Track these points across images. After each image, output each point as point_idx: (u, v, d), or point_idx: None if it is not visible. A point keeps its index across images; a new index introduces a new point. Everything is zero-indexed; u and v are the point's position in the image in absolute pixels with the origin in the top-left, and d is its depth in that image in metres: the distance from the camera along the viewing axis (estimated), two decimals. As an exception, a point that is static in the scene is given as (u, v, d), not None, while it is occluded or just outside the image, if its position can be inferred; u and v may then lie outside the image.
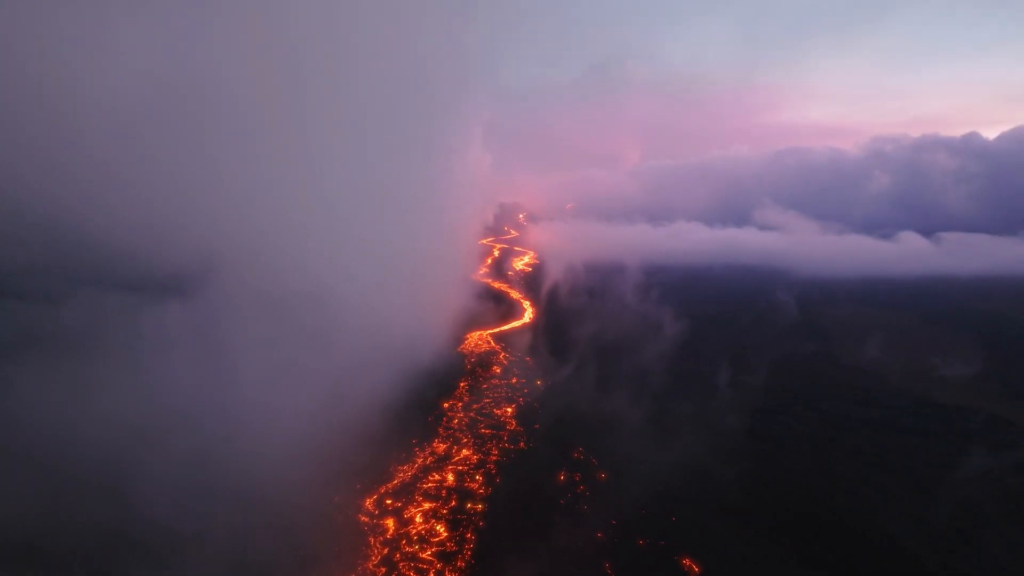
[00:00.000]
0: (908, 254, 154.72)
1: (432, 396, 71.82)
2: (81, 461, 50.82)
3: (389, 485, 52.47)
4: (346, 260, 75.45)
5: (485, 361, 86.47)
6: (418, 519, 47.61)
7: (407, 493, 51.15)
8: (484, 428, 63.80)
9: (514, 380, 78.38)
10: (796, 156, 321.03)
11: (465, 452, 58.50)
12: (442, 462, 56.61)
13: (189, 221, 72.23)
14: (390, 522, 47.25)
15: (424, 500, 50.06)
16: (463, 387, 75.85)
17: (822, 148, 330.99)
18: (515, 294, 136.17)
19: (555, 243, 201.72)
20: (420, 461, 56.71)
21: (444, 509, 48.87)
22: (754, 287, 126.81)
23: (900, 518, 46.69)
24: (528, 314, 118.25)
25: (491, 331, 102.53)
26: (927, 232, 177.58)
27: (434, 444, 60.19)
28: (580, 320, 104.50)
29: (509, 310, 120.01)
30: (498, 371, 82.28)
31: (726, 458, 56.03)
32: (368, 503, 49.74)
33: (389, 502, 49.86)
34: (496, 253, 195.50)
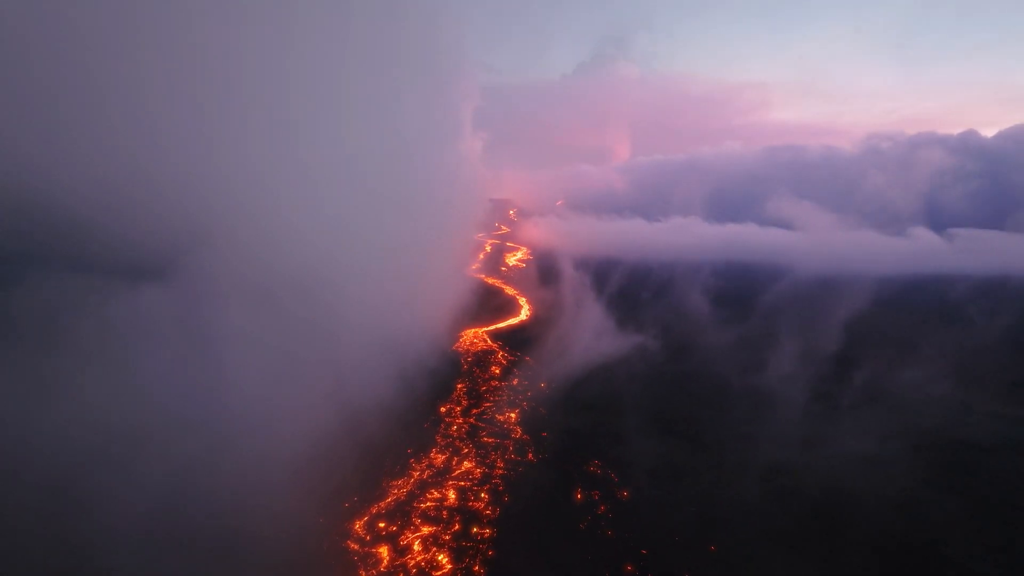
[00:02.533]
0: (920, 251, 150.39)
1: (428, 399, 65.39)
2: (28, 480, 43.66)
3: (382, 504, 45.82)
4: (335, 247, 68.26)
5: (482, 361, 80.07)
6: (416, 547, 40.99)
7: (403, 514, 44.48)
8: (486, 436, 57.39)
9: (515, 382, 72.01)
10: (789, 153, 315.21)
11: (467, 464, 52.01)
12: (441, 476, 50.04)
13: (167, 197, 63.30)
14: (384, 550, 40.60)
15: (423, 523, 43.42)
16: (460, 389, 69.39)
17: (816, 145, 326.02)
18: (510, 290, 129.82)
19: (548, 239, 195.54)
20: (416, 475, 50.09)
21: (446, 534, 42.28)
22: (761, 284, 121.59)
23: (981, 551, 40.75)
24: (525, 311, 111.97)
25: (487, 328, 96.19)
26: (932, 229, 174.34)
27: (432, 454, 53.65)
28: (581, 318, 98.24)
29: (505, 306, 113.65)
30: (497, 372, 75.93)
31: (763, 472, 50.09)
32: (358, 526, 43.06)
33: (382, 525, 43.19)
34: (488, 249, 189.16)
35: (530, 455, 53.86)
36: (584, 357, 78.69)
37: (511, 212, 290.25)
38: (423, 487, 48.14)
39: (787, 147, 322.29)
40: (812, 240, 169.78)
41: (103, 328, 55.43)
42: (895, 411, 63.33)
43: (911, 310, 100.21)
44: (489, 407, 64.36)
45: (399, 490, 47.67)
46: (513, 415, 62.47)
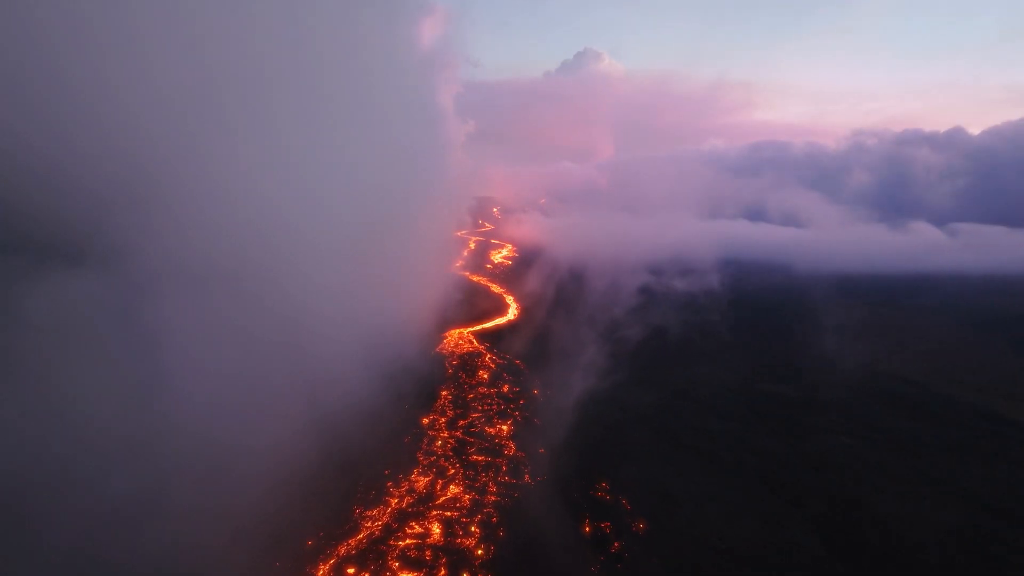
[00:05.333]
0: (922, 247, 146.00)
1: (409, 408, 57.83)
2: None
3: (352, 541, 38.11)
4: (304, 227, 59.83)
5: (469, 364, 72.60)
6: (394, 600, 33.50)
7: (377, 556, 36.79)
8: (475, 453, 49.95)
9: (505, 388, 64.76)
10: (773, 149, 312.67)
11: (453, 489, 44.48)
12: (424, 504, 42.45)
13: (88, 157, 51.64)
14: (353, 605, 33.05)
15: (402, 567, 35.79)
16: (445, 397, 61.85)
17: (800, 142, 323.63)
18: (496, 288, 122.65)
19: (533, 236, 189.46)
20: (394, 503, 42.44)
21: (431, 582, 34.80)
22: (755, 282, 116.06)
23: None
24: (513, 310, 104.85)
25: (473, 329, 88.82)
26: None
27: (412, 477, 46.02)
28: (573, 317, 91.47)
29: (491, 305, 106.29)
30: (485, 377, 68.52)
31: (790, 494, 43.63)
32: (322, 572, 35.33)
33: (352, 571, 35.50)
34: (472, 246, 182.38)
35: (526, 476, 46.57)
36: (579, 359, 71.81)
37: (495, 209, 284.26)
38: (402, 519, 40.53)
39: (771, 143, 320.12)
40: (814, 236, 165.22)
41: (9, 325, 45.47)
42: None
43: (923, 308, 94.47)
44: (478, 418, 56.97)
45: (373, 523, 40.02)
46: (505, 427, 55.22)
